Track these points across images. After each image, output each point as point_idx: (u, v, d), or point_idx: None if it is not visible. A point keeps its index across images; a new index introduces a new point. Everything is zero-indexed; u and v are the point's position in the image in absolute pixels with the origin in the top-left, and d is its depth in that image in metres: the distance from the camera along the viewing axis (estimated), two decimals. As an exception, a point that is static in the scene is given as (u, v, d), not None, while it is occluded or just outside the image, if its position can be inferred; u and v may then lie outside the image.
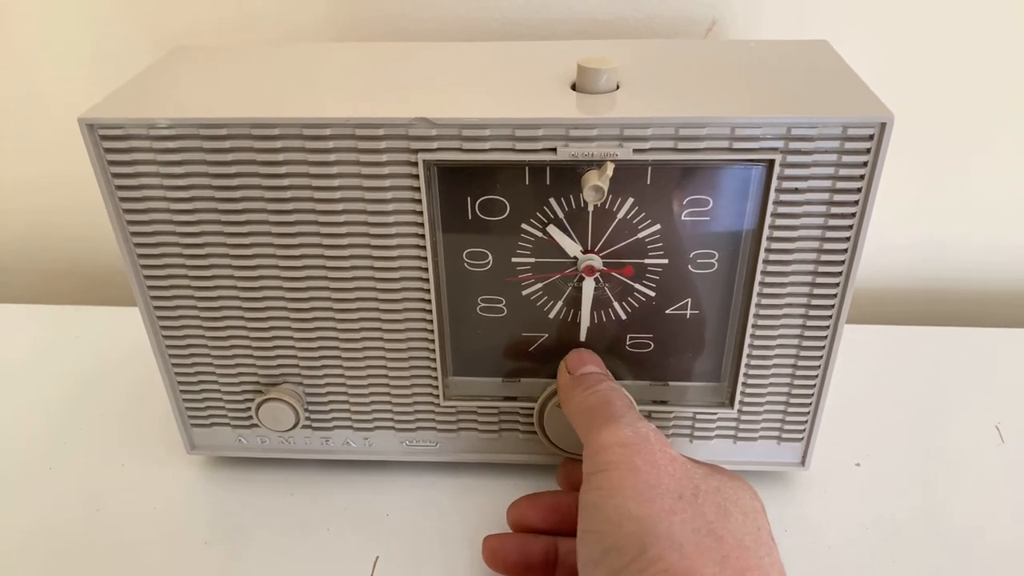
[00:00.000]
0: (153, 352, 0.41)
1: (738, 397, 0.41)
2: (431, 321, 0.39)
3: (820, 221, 0.35)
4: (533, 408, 0.41)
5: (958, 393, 0.51)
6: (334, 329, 0.40)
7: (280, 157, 0.35)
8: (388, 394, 0.42)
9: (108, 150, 0.35)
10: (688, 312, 0.39)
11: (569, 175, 0.35)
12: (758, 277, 0.37)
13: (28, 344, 0.57)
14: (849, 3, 0.50)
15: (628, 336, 0.40)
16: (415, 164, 0.35)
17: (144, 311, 0.40)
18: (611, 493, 0.31)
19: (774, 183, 0.34)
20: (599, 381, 0.37)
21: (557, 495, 0.40)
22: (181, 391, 0.43)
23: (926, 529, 0.42)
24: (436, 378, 0.41)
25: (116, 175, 0.36)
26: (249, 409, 0.43)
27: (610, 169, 0.33)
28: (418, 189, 0.35)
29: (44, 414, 0.50)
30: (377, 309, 0.39)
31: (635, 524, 0.29)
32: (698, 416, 0.42)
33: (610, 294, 0.39)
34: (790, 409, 0.41)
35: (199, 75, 0.39)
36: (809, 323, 0.38)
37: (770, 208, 0.35)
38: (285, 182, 0.35)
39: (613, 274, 0.38)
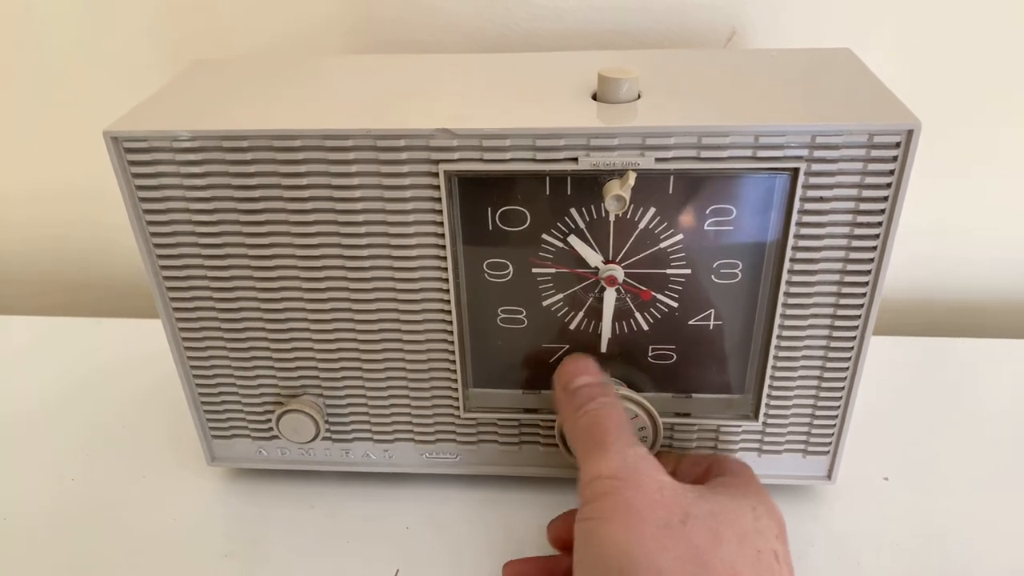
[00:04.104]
0: (174, 364, 0.41)
1: (763, 409, 0.40)
2: (451, 332, 0.39)
3: (846, 230, 0.35)
4: (554, 420, 0.41)
5: (988, 406, 0.50)
6: (354, 340, 0.40)
7: (302, 168, 0.35)
8: (408, 406, 0.42)
9: (132, 163, 0.35)
10: (711, 323, 0.38)
11: (590, 185, 0.35)
12: (783, 287, 0.36)
13: (50, 356, 0.57)
14: (867, 14, 0.50)
15: (650, 347, 0.40)
16: (436, 175, 0.35)
17: (166, 323, 0.40)
18: (598, 523, 0.31)
19: (799, 192, 0.34)
20: (590, 398, 0.35)
21: (552, 560, 0.39)
22: (202, 403, 0.43)
23: (957, 545, 0.41)
24: (456, 390, 0.41)
25: (140, 187, 0.36)
26: (269, 421, 0.43)
27: (632, 179, 0.33)
28: (439, 200, 0.35)
29: (65, 425, 0.50)
30: (397, 320, 0.39)
31: (619, 555, 0.29)
32: (722, 429, 0.41)
33: (632, 305, 0.38)
34: (816, 422, 0.40)
35: (220, 88, 0.39)
36: (835, 334, 0.38)
37: (795, 217, 0.34)
38: (306, 193, 0.35)
39: (635, 289, 0.37)
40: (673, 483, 0.32)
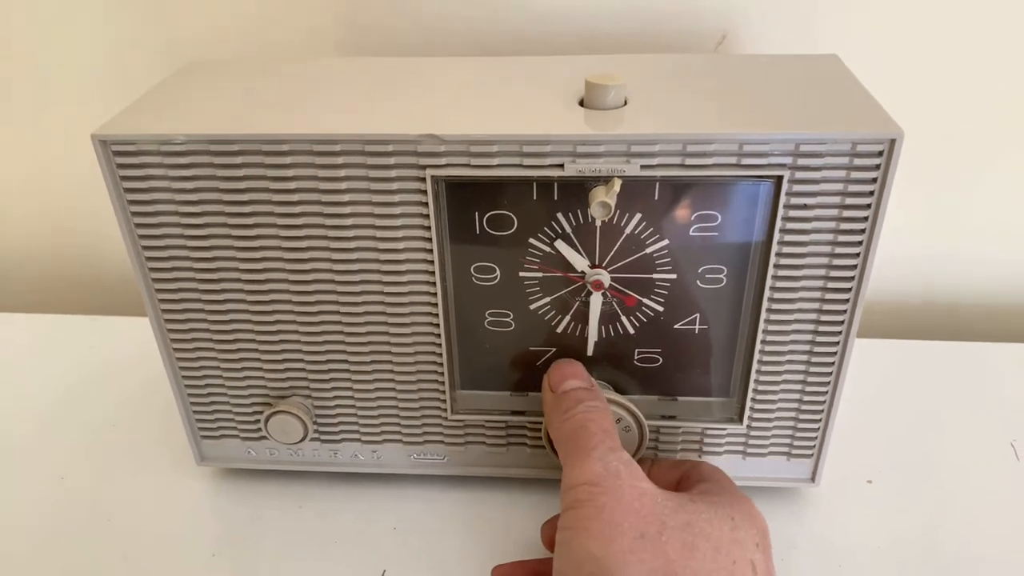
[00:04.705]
0: (163, 364, 0.41)
1: (747, 412, 0.40)
2: (439, 335, 0.39)
3: (829, 237, 0.35)
4: (541, 422, 0.41)
5: (972, 409, 0.50)
6: (343, 342, 0.40)
7: (290, 173, 0.35)
8: (396, 407, 0.42)
9: (121, 165, 0.35)
10: (697, 327, 0.39)
11: (576, 190, 0.35)
12: (767, 292, 0.37)
13: (40, 354, 0.57)
14: (858, 18, 0.50)
15: (636, 351, 0.40)
16: (423, 180, 0.35)
17: (155, 323, 0.40)
18: (575, 533, 0.31)
19: (783, 199, 0.34)
20: (577, 402, 0.36)
21: (543, 562, 0.39)
22: (191, 403, 0.43)
23: (940, 549, 0.41)
24: (444, 392, 0.41)
25: (128, 190, 0.36)
26: (258, 421, 0.43)
27: (617, 185, 0.33)
28: (426, 204, 0.35)
29: (55, 424, 0.51)
30: (385, 323, 0.39)
31: (593, 564, 0.29)
32: (707, 432, 0.42)
33: (618, 309, 0.39)
34: (800, 425, 0.41)
35: (210, 91, 0.39)
36: (819, 338, 0.38)
37: (779, 224, 0.35)
38: (295, 197, 0.36)
39: (620, 295, 0.38)
40: (654, 491, 0.32)
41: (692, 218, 0.35)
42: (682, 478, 0.37)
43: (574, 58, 0.42)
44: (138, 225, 0.37)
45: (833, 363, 0.39)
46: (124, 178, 0.36)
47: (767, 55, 0.42)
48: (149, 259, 0.38)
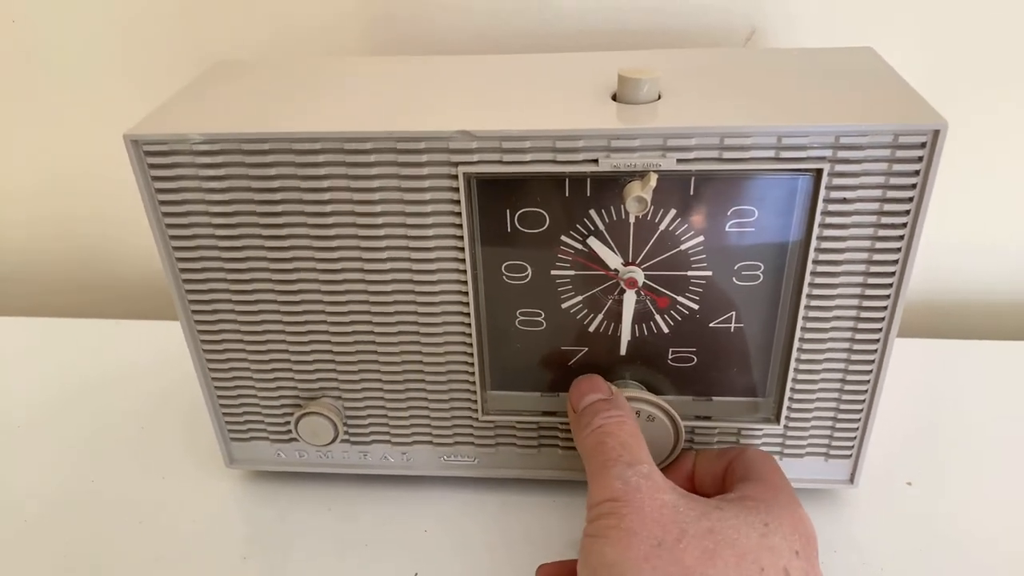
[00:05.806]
0: (194, 366, 0.41)
1: (784, 412, 0.40)
2: (470, 335, 0.39)
3: (870, 231, 0.34)
4: (573, 423, 0.41)
5: (1015, 410, 0.49)
6: (373, 343, 0.40)
7: (321, 171, 0.35)
8: (426, 408, 0.42)
9: (152, 165, 0.35)
10: (732, 325, 0.38)
11: (610, 186, 0.35)
12: (805, 289, 0.36)
13: (70, 358, 0.57)
14: (888, 12, 0.49)
15: (670, 350, 0.39)
16: (455, 177, 0.34)
17: (185, 325, 0.40)
18: (595, 540, 0.31)
19: (822, 193, 0.33)
20: (594, 414, 0.35)
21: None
22: (221, 405, 0.43)
23: (982, 552, 0.40)
24: (475, 392, 0.41)
25: (160, 190, 0.36)
26: (288, 423, 0.43)
27: (654, 180, 0.33)
28: (458, 202, 0.35)
29: (86, 427, 0.51)
30: (416, 323, 0.39)
31: (608, 571, 0.30)
32: (743, 432, 0.41)
33: (651, 307, 0.38)
34: (838, 425, 0.40)
35: (240, 90, 0.39)
36: (858, 336, 0.37)
37: (818, 218, 0.34)
38: (326, 196, 0.35)
39: (652, 295, 0.37)
40: (677, 500, 0.31)
41: (729, 213, 0.35)
42: (727, 469, 0.36)
43: (603, 54, 0.42)
44: (169, 226, 0.37)
45: (873, 362, 0.38)
46: (155, 178, 0.36)
47: (801, 48, 0.42)
48: (180, 259, 0.38)
